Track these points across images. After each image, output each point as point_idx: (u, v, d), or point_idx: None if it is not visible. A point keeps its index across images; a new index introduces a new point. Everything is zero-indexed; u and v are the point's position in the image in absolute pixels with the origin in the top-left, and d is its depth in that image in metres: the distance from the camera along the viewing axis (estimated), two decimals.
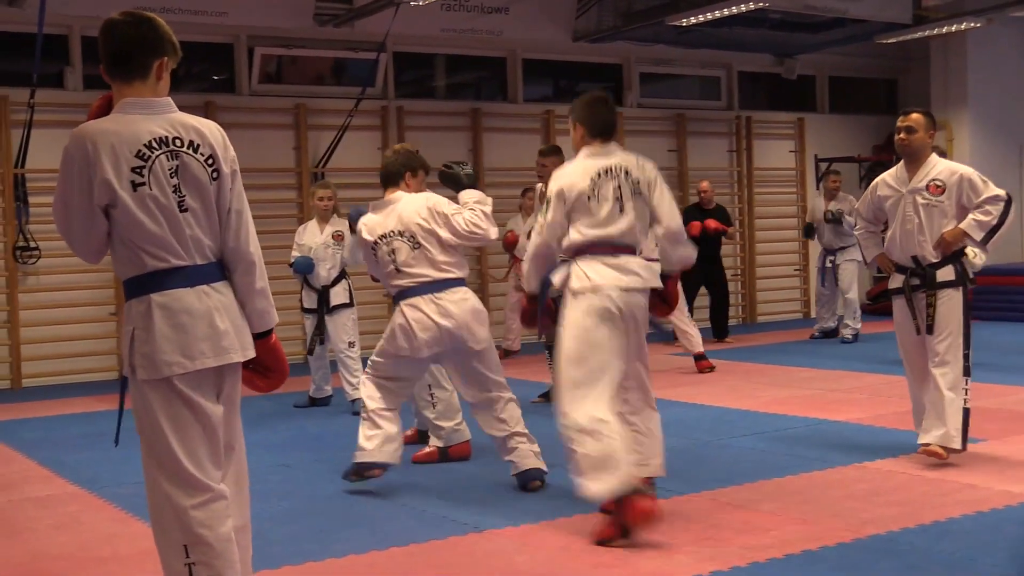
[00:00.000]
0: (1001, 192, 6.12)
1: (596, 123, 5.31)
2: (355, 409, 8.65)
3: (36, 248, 10.67)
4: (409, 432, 7.10)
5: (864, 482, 5.84)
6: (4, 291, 10.87)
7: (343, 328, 8.64)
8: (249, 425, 8.26)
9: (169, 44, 3.38)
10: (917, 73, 16.30)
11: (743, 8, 11.97)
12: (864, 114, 16.24)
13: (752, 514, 5.26)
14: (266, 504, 5.72)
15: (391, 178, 6.26)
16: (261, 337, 3.50)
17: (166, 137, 3.28)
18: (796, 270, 15.63)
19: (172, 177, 3.27)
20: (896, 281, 6.29)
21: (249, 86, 11.96)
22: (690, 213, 12.57)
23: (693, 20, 12.50)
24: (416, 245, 5.91)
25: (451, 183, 6.25)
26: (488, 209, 6.00)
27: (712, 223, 12.18)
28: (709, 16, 12.30)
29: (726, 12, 12.13)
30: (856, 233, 6.73)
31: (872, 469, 6.09)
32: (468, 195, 6.11)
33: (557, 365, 5.08)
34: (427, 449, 6.78)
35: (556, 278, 5.20)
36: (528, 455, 5.87)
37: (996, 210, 6.06)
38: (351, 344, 8.62)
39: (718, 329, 12.90)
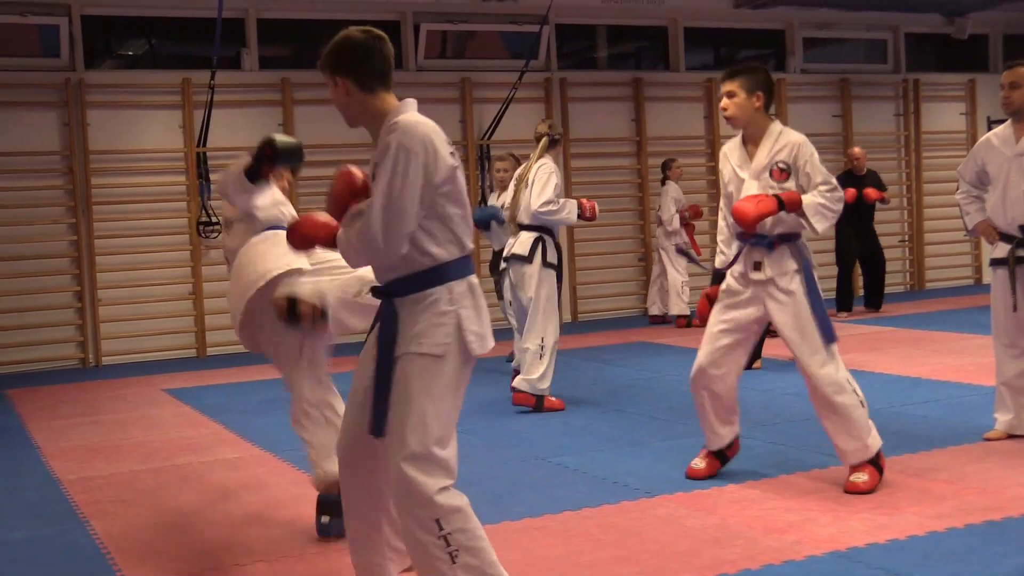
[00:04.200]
0: None
1: (773, 96, 5.24)
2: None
3: (218, 223, 11.04)
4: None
5: None
6: (188, 264, 11.30)
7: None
8: None
9: None
10: None
11: None
12: None
13: (928, 483, 5.12)
14: None
15: None
16: None
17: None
18: (967, 236, 15.08)
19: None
20: (1000, 251, 5.80)
21: (416, 61, 12.11)
22: (842, 181, 12.18)
23: None
24: None
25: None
26: None
27: (872, 192, 11.74)
28: None
29: None
30: (957, 197, 6.13)
31: None
32: None
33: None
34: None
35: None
36: None
37: None
38: (509, 303, 8.51)
39: (872, 299, 12.36)
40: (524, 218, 7.50)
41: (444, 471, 3.39)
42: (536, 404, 7.40)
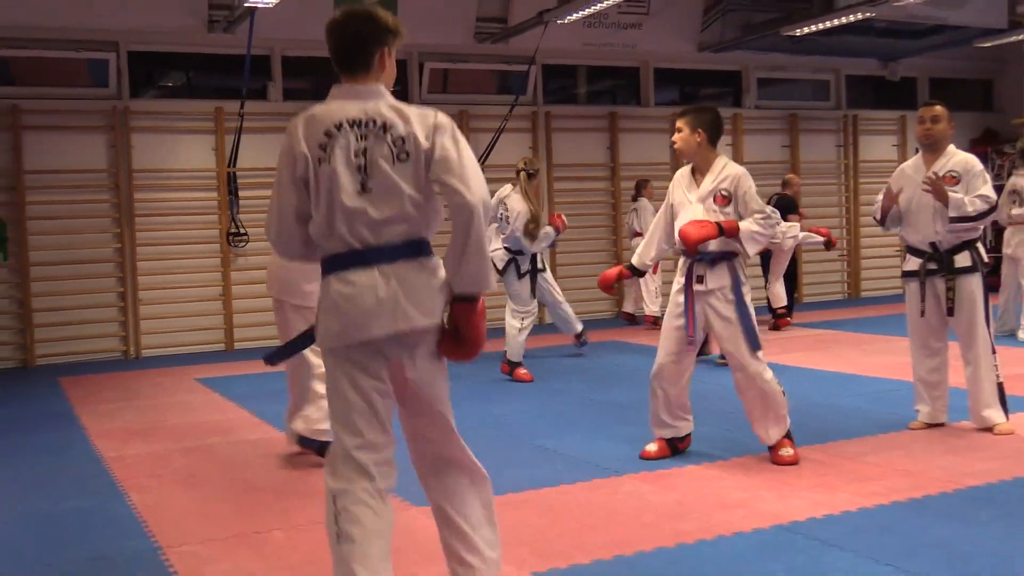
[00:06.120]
0: (994, 198, 5.58)
1: (719, 134, 5.28)
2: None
3: (245, 234, 11.00)
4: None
5: (963, 439, 5.63)
6: (219, 269, 11.27)
7: None
8: None
9: (389, 33, 3.19)
10: (1012, 74, 15.57)
11: (852, 18, 11.59)
12: (962, 111, 15.49)
13: (860, 465, 5.13)
14: None
15: None
16: (460, 300, 3.06)
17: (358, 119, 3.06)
18: (897, 251, 15.12)
19: (358, 156, 3.03)
20: (912, 264, 5.82)
21: (420, 96, 12.10)
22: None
23: (806, 30, 12.16)
24: None
25: None
26: None
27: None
28: (820, 26, 11.94)
29: (836, 22, 11.77)
30: (872, 208, 6.07)
31: (970, 428, 5.85)
32: None
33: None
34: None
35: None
36: None
37: (978, 208, 5.51)
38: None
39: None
40: (507, 242, 8.27)
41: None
42: (509, 371, 8.35)
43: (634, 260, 5.63)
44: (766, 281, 11.08)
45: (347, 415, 3.05)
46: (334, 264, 3.04)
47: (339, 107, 3.09)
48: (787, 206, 10.87)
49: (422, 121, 3.07)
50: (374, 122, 3.04)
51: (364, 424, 3.04)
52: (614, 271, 5.63)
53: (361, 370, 3.04)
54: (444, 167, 3.01)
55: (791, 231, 10.81)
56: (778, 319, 11.02)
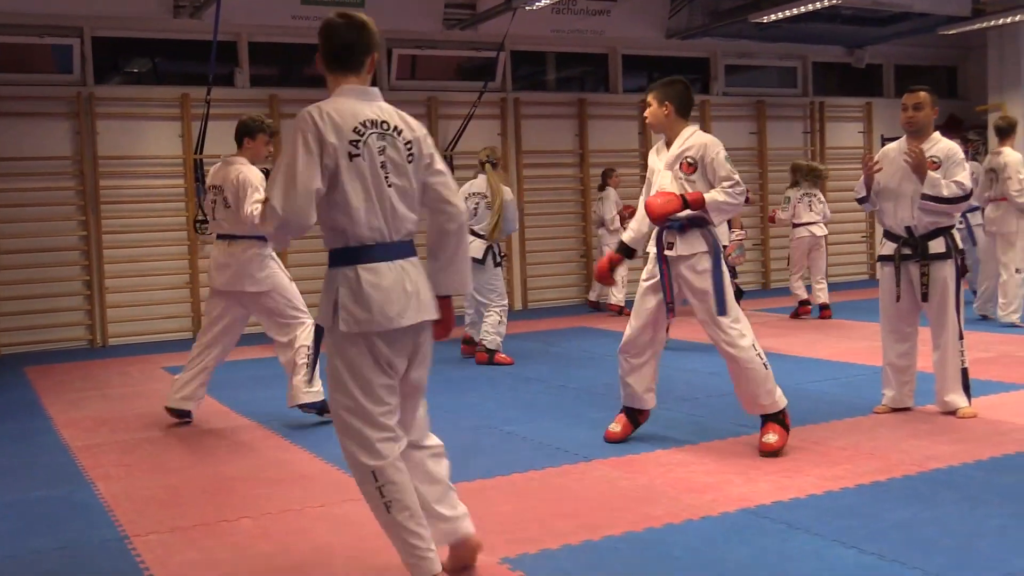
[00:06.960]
0: (969, 187, 5.60)
1: (688, 105, 5.30)
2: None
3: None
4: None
5: (928, 423, 5.69)
6: (185, 257, 11.19)
7: None
8: None
9: (375, 40, 3.45)
10: (975, 61, 15.69)
11: (818, 5, 11.66)
12: None
13: (827, 449, 5.17)
14: None
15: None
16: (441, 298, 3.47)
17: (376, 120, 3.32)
18: (863, 237, 15.25)
19: (380, 155, 3.29)
20: (887, 249, 5.86)
21: (388, 82, 12.05)
22: None
23: (773, 17, 12.22)
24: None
25: None
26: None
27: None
28: (787, 13, 12.00)
29: (803, 9, 11.83)
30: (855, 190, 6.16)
31: (934, 412, 5.92)
32: None
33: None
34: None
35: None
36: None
37: (953, 192, 5.56)
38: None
39: None
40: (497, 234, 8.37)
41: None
42: (489, 358, 8.34)
43: (625, 237, 5.59)
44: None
45: (372, 389, 3.31)
46: (359, 255, 3.26)
47: (358, 106, 3.32)
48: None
49: (419, 129, 3.44)
50: (387, 124, 3.34)
51: (386, 394, 3.34)
52: (605, 260, 5.60)
53: (386, 352, 3.31)
54: (440, 180, 3.43)
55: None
56: (799, 309, 11.06)
